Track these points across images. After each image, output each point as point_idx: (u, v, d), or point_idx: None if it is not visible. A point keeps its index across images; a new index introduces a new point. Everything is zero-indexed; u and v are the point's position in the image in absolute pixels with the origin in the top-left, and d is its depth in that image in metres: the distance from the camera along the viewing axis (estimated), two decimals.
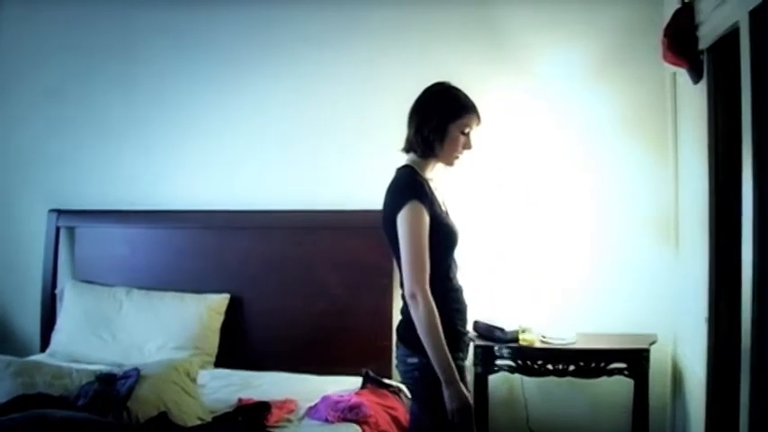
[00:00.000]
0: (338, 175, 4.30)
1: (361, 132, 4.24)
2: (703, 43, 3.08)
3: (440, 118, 2.81)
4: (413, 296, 2.65)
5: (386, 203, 2.83)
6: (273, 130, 4.39)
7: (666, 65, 3.58)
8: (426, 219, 2.71)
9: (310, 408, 3.43)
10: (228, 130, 4.45)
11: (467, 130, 2.85)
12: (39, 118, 4.74)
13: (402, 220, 2.70)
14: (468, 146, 2.87)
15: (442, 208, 2.87)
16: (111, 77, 4.60)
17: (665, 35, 3.26)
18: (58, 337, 4.32)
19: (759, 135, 2.39)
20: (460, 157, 2.89)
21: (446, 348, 2.65)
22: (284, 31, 4.34)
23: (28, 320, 4.70)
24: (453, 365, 2.67)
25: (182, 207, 4.44)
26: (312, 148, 4.33)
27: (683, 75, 3.42)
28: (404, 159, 2.91)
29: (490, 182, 4.04)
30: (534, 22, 4.06)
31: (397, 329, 2.90)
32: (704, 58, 3.11)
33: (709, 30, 2.98)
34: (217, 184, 4.46)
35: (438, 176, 2.95)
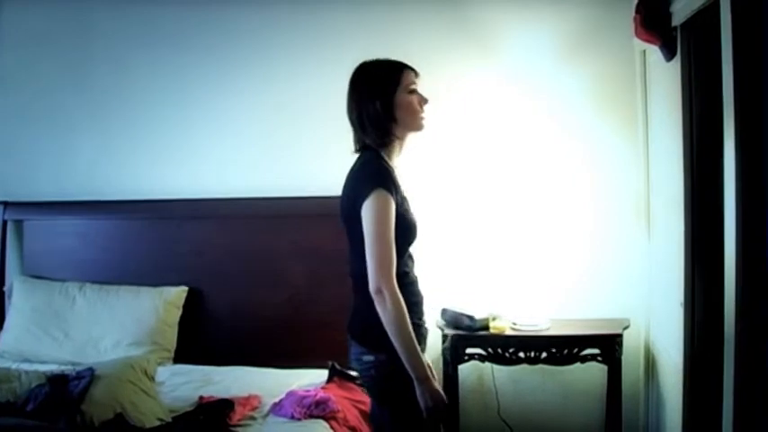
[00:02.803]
0: (298, 162, 4.16)
1: (320, 117, 4.07)
2: (677, 19, 2.99)
3: (380, 95, 2.60)
4: (379, 291, 2.46)
5: (348, 188, 2.65)
6: (232, 116, 4.22)
7: (636, 42, 3.51)
8: (393, 209, 2.52)
9: (275, 404, 3.31)
10: (186, 117, 4.27)
11: (412, 87, 2.66)
12: None
13: (368, 209, 2.50)
14: (423, 101, 2.69)
15: (405, 198, 2.68)
16: (64, 64, 4.40)
17: (637, 11, 3.18)
18: (6, 336, 4.12)
19: (742, 113, 2.29)
20: (425, 115, 2.69)
21: (417, 344, 2.50)
22: (246, 19, 4.17)
23: None
24: (425, 362, 2.55)
25: (137, 197, 4.26)
26: (271, 134, 4.19)
27: (654, 52, 3.35)
28: None
29: (458, 166, 3.93)
30: (499, 1, 3.94)
31: (349, 327, 2.71)
32: (677, 34, 3.03)
33: (683, 5, 2.89)
34: (174, 174, 4.28)
35: (400, 164, 2.76)
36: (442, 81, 3.86)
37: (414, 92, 2.66)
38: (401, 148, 2.72)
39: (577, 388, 3.91)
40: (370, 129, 2.61)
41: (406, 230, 2.60)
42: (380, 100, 2.60)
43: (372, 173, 2.57)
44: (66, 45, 4.39)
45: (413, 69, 2.70)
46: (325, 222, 3.83)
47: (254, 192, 4.11)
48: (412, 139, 2.72)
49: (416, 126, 2.68)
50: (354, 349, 2.65)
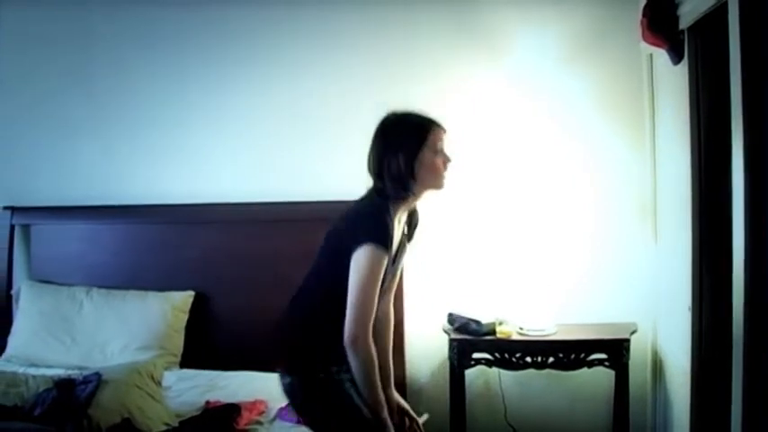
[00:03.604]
0: (306, 167, 4.14)
1: (325, 120, 4.09)
2: (684, 22, 2.99)
3: (405, 150, 2.56)
4: (354, 342, 2.47)
5: (345, 223, 2.61)
6: (238, 121, 4.21)
7: (643, 46, 3.50)
8: (384, 267, 2.51)
9: (281, 408, 3.29)
10: (189, 120, 4.25)
11: (439, 146, 2.62)
12: None
13: (360, 260, 2.46)
14: (447, 160, 2.66)
15: (395, 250, 2.66)
16: (68, 69, 4.39)
17: (644, 15, 3.18)
18: (14, 340, 4.12)
19: (750, 117, 2.29)
20: (447, 174, 2.67)
21: (379, 389, 2.57)
22: (246, 20, 4.15)
23: None
24: (384, 403, 2.60)
25: (143, 202, 4.25)
26: (279, 139, 4.17)
27: (660, 56, 3.34)
28: None
29: (464, 168, 3.90)
30: (507, 3, 3.93)
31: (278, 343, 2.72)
32: (685, 37, 3.02)
33: (690, 8, 2.88)
34: (180, 178, 4.27)
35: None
36: (449, 81, 3.89)
37: (439, 151, 2.62)
38: (414, 202, 2.70)
39: (584, 392, 3.89)
40: (389, 182, 2.57)
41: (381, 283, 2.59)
42: (405, 155, 2.56)
43: (375, 225, 2.51)
44: (66, 48, 4.38)
45: (441, 126, 2.65)
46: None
47: (261, 196, 4.09)
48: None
49: (437, 185, 2.66)
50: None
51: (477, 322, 3.66)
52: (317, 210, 3.92)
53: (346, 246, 2.51)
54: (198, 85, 4.23)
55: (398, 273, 2.84)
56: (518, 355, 3.61)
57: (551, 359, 3.59)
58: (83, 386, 3.00)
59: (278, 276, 4.01)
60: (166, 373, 3.59)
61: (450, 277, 3.98)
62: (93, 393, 2.94)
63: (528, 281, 3.75)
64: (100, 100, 4.36)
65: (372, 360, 2.52)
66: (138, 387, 3.14)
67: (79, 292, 4.15)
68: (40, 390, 3.03)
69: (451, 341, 3.64)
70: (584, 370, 3.60)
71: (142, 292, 4.09)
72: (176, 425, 3.09)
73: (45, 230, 4.39)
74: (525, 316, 3.72)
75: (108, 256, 4.27)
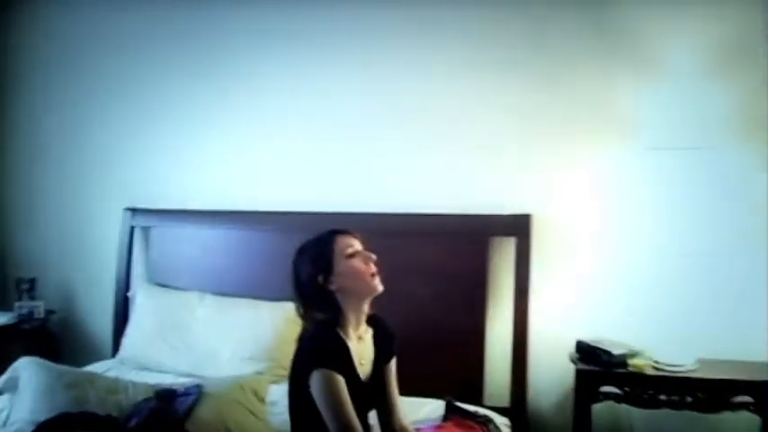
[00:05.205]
0: (422, 178, 3.96)
1: (445, 132, 3.90)
2: None
3: (320, 274, 2.53)
4: None
5: (294, 358, 2.57)
6: (362, 132, 4.06)
7: None
8: (341, 383, 2.40)
9: None
10: (318, 130, 4.15)
11: (349, 251, 2.54)
12: (116, 114, 4.58)
13: (315, 389, 2.41)
14: (368, 260, 2.55)
15: (359, 371, 2.54)
16: (192, 72, 4.38)
17: None
18: (128, 342, 4.10)
19: None
20: (374, 274, 2.55)
21: None
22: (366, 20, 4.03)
23: (102, 322, 4.55)
24: None
25: (260, 208, 4.16)
26: (399, 151, 4.00)
27: None
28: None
29: (602, 185, 3.64)
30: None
31: None
32: None
33: None
34: (299, 186, 4.17)
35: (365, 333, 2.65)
36: (585, 88, 3.64)
37: (353, 254, 2.55)
38: (357, 318, 2.60)
39: None
40: (317, 308, 2.56)
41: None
42: (322, 277, 2.53)
43: (312, 349, 2.49)
44: (194, 47, 4.37)
45: (345, 232, 2.61)
46: (456, 241, 3.74)
47: (380, 208, 3.92)
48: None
49: (366, 290, 2.56)
50: None
51: (608, 353, 3.33)
52: (432, 223, 3.78)
53: (302, 377, 2.46)
54: (329, 92, 4.11)
55: (392, 387, 2.77)
56: (651, 391, 3.26)
57: (689, 398, 3.23)
58: (183, 398, 2.89)
59: (394, 291, 3.81)
60: (274, 387, 3.43)
61: (579, 302, 3.68)
62: (192, 406, 2.83)
63: (666, 309, 3.40)
64: (229, 101, 4.31)
65: None
66: (239, 403, 3.01)
67: (193, 297, 4.09)
68: (139, 399, 2.94)
69: (578, 371, 3.34)
70: (727, 414, 3.23)
71: (255, 301, 3.98)
72: None
73: (164, 233, 4.38)
74: (661, 348, 3.37)
75: (222, 262, 4.20)
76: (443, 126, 3.90)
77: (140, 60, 4.49)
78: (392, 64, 3.98)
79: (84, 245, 4.67)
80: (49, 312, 4.59)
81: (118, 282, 4.40)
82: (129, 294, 4.33)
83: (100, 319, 4.57)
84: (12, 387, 3.12)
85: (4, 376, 3.17)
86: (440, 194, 3.88)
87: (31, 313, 4.51)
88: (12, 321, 4.42)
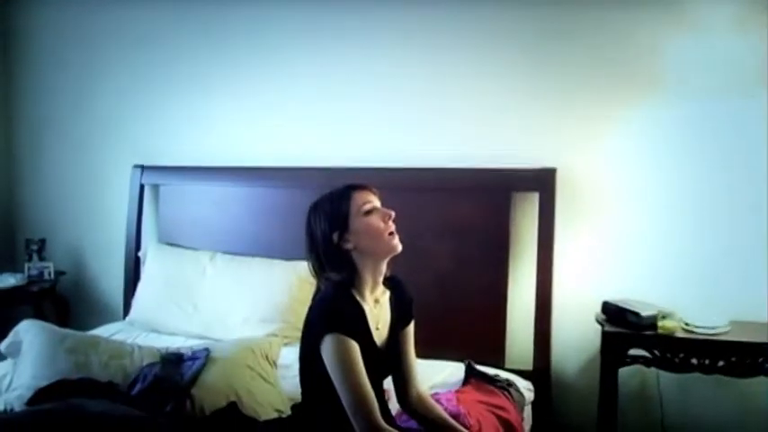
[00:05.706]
0: (446, 132, 3.78)
1: (471, 86, 3.71)
2: None
3: (336, 232, 2.34)
4: None
5: (307, 318, 2.35)
6: (379, 85, 3.89)
7: None
8: (354, 349, 2.22)
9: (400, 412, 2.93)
10: (332, 84, 3.98)
11: (366, 208, 2.36)
12: (125, 69, 4.43)
13: (326, 356, 2.23)
14: (386, 217, 2.36)
15: (374, 336, 2.38)
16: (204, 26, 4.22)
17: None
18: (137, 304, 4.00)
19: None
20: (393, 233, 2.37)
21: None
22: None
23: (113, 283, 4.45)
24: None
25: (273, 164, 4.01)
26: (417, 103, 3.82)
27: None
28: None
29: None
30: None
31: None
32: None
33: None
34: (314, 141, 4.01)
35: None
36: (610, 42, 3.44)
37: (370, 211, 2.36)
38: (375, 279, 2.42)
39: (757, 404, 3.34)
40: (331, 269, 2.35)
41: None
42: (337, 236, 2.35)
43: (322, 314, 2.29)
44: (200, 6, 4.21)
45: (362, 186, 2.42)
46: (473, 198, 3.56)
47: (399, 161, 3.76)
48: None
49: (384, 249, 2.38)
50: None
51: (637, 314, 3.17)
52: (463, 178, 3.60)
53: (314, 340, 2.27)
54: (343, 49, 3.95)
55: (410, 353, 2.61)
56: (681, 354, 3.11)
57: (721, 362, 3.07)
58: (190, 362, 2.77)
59: (416, 250, 3.66)
60: (286, 350, 3.29)
61: (606, 261, 3.52)
62: (198, 372, 2.70)
63: (698, 269, 3.28)
64: (242, 57, 4.15)
65: None
66: (249, 367, 2.88)
67: (203, 256, 3.97)
68: (144, 363, 2.82)
69: (605, 333, 3.19)
70: (761, 378, 3.07)
71: (268, 260, 3.85)
72: (288, 411, 2.78)
73: (174, 191, 4.25)
74: (693, 309, 3.21)
75: (234, 220, 4.07)
76: (465, 80, 3.73)
77: (152, 15, 4.33)
78: (411, 18, 3.80)
79: (94, 204, 4.55)
80: (59, 273, 4.49)
81: (128, 242, 4.29)
82: (140, 254, 4.21)
83: (111, 280, 4.47)
84: (15, 351, 3.01)
85: (7, 340, 3.06)
86: (461, 148, 3.72)
87: (40, 274, 4.41)
88: (21, 283, 4.31)
